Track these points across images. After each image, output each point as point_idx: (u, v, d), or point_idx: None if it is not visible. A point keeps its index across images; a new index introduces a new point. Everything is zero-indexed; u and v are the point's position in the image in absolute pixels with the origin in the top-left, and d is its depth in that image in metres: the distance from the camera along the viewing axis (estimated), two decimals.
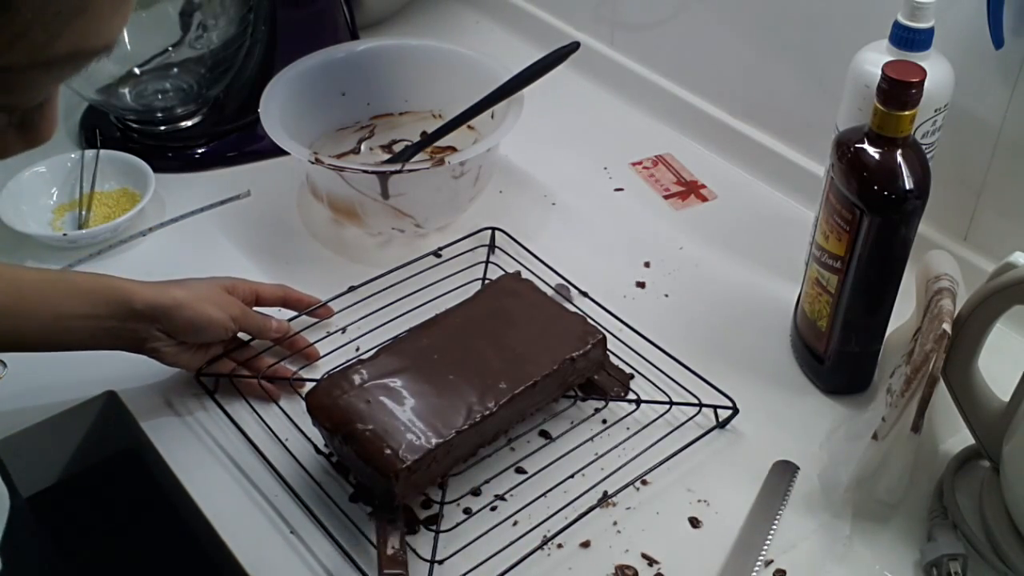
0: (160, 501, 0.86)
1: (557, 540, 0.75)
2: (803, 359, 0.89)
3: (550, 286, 0.95)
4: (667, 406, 0.84)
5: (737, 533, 0.76)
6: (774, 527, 0.76)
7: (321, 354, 0.89)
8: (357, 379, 0.78)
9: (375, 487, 0.75)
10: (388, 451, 0.73)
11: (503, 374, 0.79)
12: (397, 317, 0.91)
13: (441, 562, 0.73)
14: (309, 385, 0.84)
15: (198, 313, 0.81)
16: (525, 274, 0.95)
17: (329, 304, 0.92)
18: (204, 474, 0.80)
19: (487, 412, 0.76)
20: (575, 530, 0.76)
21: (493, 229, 1.00)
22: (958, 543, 0.74)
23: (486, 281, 0.95)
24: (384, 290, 0.94)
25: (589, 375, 0.85)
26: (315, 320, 0.91)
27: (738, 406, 0.84)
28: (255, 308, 0.88)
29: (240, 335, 0.87)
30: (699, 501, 0.79)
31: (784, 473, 0.80)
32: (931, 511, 0.77)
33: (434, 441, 0.74)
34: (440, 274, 0.96)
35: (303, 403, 0.79)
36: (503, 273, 0.92)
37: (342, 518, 0.76)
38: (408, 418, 0.75)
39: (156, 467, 0.83)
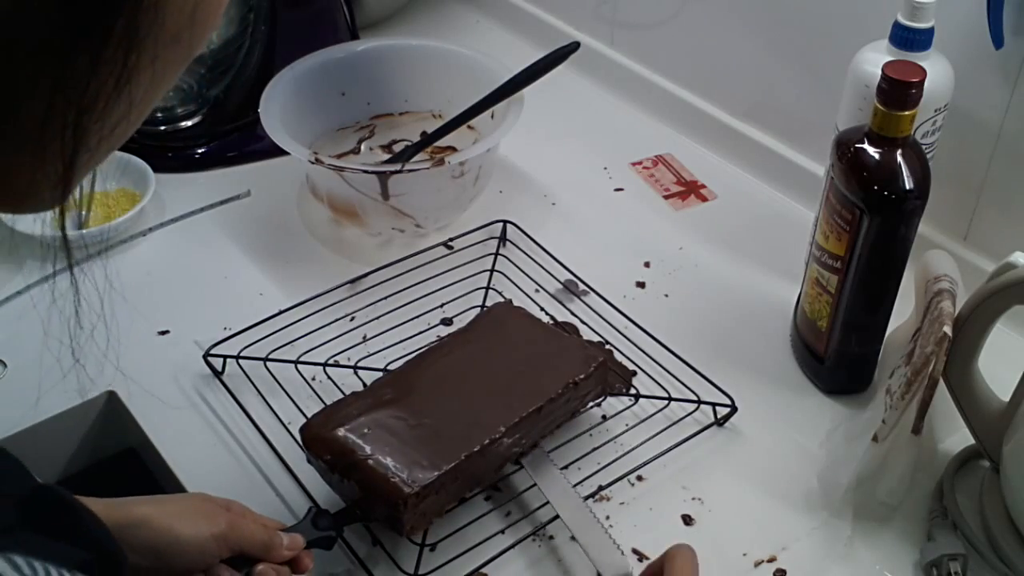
0: None
1: (548, 531, 0.75)
2: (803, 359, 0.89)
3: (559, 281, 0.95)
4: (665, 402, 0.84)
5: None
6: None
7: (327, 339, 0.88)
8: (353, 411, 0.74)
9: (380, 518, 0.72)
10: (394, 478, 0.69)
11: (507, 400, 0.76)
12: (404, 305, 0.92)
13: (433, 547, 0.73)
14: (314, 368, 0.85)
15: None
16: (533, 268, 0.95)
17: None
18: (205, 474, 0.80)
19: (496, 436, 0.73)
20: None
21: (504, 222, 1.00)
22: (958, 543, 0.74)
23: (495, 273, 0.95)
24: (392, 278, 0.94)
25: (594, 399, 0.83)
26: (319, 308, 0.91)
27: (737, 404, 0.84)
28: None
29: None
30: (693, 499, 0.79)
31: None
32: (931, 511, 0.77)
33: (443, 466, 0.70)
34: (449, 264, 0.96)
35: (308, 386, 0.79)
36: (499, 301, 0.90)
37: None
38: (411, 446, 0.72)
39: (156, 467, 0.83)
